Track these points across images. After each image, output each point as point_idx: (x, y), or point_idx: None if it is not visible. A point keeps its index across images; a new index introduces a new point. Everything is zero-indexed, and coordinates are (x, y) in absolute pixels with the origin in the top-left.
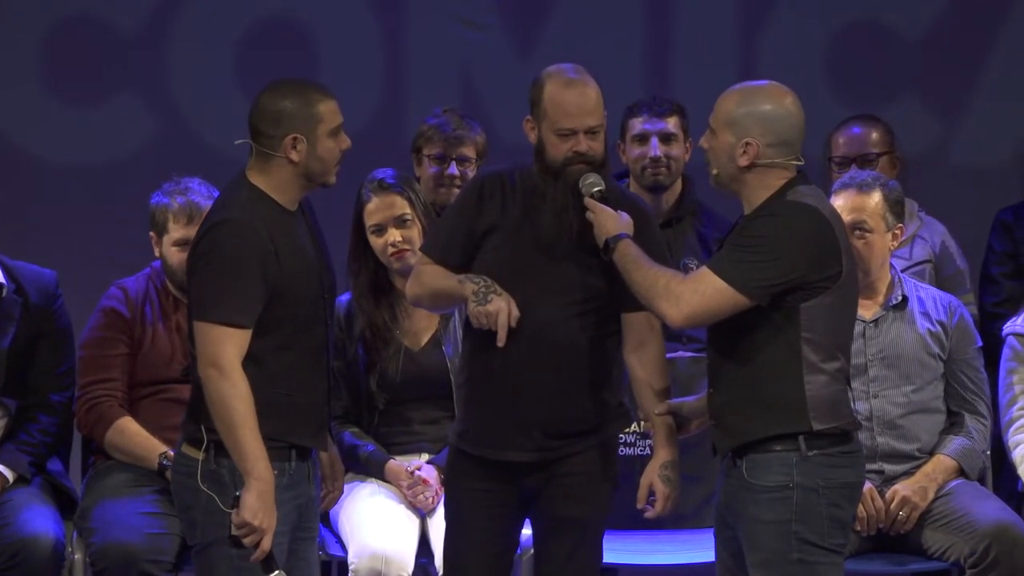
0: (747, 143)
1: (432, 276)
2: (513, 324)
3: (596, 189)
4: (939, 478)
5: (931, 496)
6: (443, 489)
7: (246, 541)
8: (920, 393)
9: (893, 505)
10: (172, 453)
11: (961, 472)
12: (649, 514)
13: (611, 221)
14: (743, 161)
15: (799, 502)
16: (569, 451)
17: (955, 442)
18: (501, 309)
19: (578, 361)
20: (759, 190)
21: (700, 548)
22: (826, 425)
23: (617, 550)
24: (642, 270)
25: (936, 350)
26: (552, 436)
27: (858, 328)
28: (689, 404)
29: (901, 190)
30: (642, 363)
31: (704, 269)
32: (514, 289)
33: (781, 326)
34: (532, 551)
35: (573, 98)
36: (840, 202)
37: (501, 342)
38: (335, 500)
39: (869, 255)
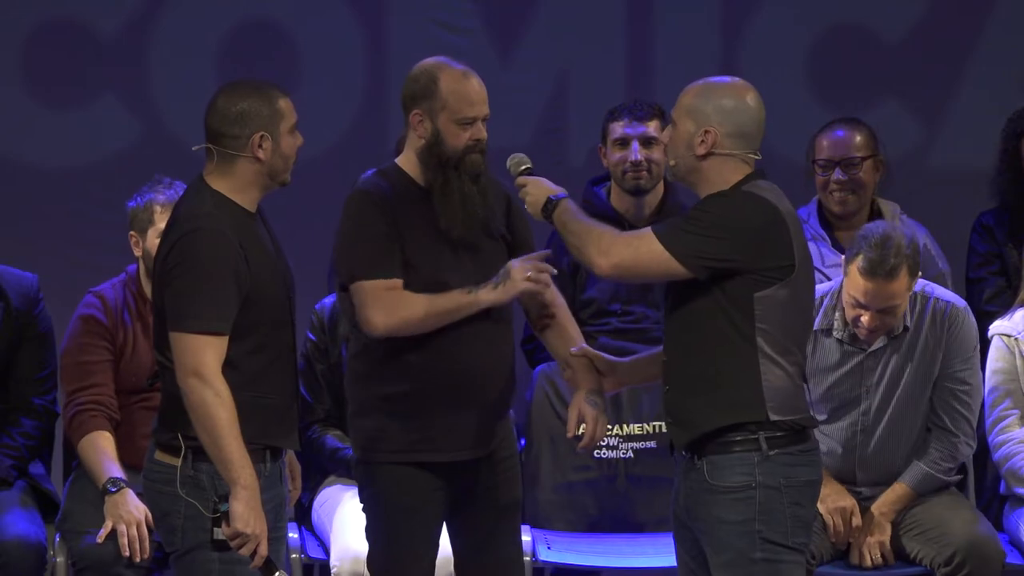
0: (706, 131)
1: (416, 301)
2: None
3: (524, 167)
4: (895, 509)
5: (888, 530)
6: None
7: (242, 551)
8: (912, 424)
9: (858, 539)
10: (120, 479)
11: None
12: (583, 444)
13: (545, 185)
14: (701, 149)
15: (762, 502)
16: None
17: (914, 470)
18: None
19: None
20: (717, 183)
21: None
22: (783, 417)
23: (601, 553)
24: (579, 222)
25: (933, 379)
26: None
27: (857, 358)
28: (603, 358)
29: (917, 243)
30: (552, 316)
31: (647, 230)
32: (445, 285)
33: (736, 318)
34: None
35: (475, 87)
36: (869, 286)
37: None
38: (294, 498)
39: (893, 321)
